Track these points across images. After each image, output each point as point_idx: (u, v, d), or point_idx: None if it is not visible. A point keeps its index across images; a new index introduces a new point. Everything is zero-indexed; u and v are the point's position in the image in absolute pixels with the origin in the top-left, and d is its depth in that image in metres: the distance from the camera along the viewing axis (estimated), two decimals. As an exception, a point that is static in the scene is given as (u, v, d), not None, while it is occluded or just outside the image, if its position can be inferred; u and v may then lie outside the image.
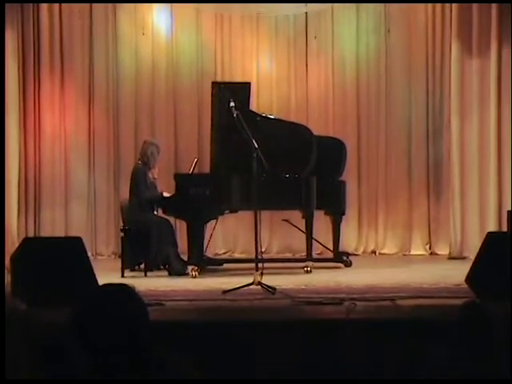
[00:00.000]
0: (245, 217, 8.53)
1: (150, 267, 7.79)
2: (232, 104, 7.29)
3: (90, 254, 6.74)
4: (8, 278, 5.34)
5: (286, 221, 8.69)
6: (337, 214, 8.59)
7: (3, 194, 8.78)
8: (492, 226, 8.91)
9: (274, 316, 5.18)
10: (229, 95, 7.47)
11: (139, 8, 10.10)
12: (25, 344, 1.01)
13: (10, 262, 5.44)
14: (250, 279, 6.24)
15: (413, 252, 10.02)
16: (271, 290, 6.06)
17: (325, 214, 8.71)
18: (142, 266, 7.82)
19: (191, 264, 7.62)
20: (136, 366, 1.96)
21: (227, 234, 10.01)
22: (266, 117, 8.22)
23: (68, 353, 1.89)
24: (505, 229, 8.64)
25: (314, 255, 8.45)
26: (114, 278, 6.95)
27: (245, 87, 8.18)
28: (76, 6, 9.88)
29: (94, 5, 9.96)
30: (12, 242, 8.58)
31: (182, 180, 7.80)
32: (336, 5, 10.11)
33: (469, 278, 5.61)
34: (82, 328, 1.98)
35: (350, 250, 9.66)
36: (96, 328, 1.98)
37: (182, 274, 7.58)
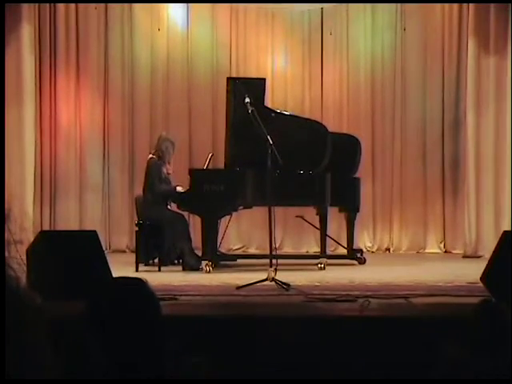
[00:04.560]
0: (259, 213, 8.54)
1: (164, 262, 7.80)
2: (247, 100, 7.29)
3: (104, 248, 6.75)
4: (24, 270, 5.36)
5: (300, 217, 8.68)
6: (351, 210, 8.57)
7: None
8: (507, 225, 8.87)
9: (287, 312, 5.18)
10: (244, 91, 7.46)
11: (155, 3, 10.12)
12: (41, 337, 1.02)
13: (26, 255, 5.46)
14: (263, 275, 6.23)
15: (427, 250, 10.00)
16: (285, 286, 6.06)
17: (339, 210, 8.70)
18: (156, 260, 7.84)
19: (205, 259, 7.62)
20: (148, 360, 1.96)
21: (241, 229, 10.02)
22: (280, 113, 8.22)
23: (82, 345, 1.89)
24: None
25: (328, 252, 8.45)
26: (129, 273, 6.96)
27: (260, 83, 8.18)
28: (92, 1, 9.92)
29: (109, -1, 10.01)
30: (29, 233, 8.59)
31: (196, 175, 7.81)
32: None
33: (484, 277, 5.59)
34: (95, 321, 1.98)
35: (364, 248, 9.65)
36: (109, 321, 1.98)
37: (196, 269, 7.58)
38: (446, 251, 9.97)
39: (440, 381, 2.60)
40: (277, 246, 7.36)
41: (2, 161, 8.83)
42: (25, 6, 9.24)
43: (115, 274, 5.31)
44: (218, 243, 8.04)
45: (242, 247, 10.10)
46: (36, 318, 1.02)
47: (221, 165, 8.45)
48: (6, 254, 1.07)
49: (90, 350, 1.90)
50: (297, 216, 8.73)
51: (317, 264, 7.80)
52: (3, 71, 8.97)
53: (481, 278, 5.61)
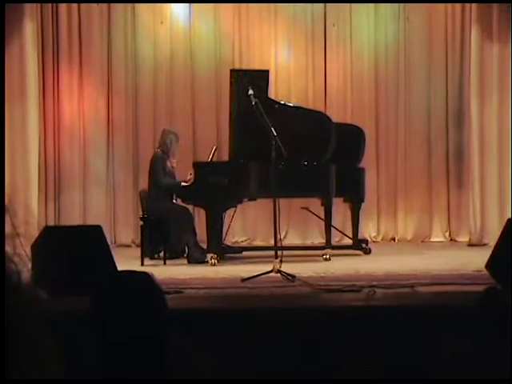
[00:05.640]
0: (264, 205, 8.54)
1: (170, 255, 7.82)
2: (251, 92, 7.28)
3: (109, 243, 6.76)
4: (29, 265, 5.37)
5: (305, 208, 8.68)
6: (356, 201, 8.57)
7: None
8: (512, 213, 8.87)
9: (293, 304, 5.19)
10: (247, 83, 7.46)
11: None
12: (43, 333, 1.03)
13: (31, 251, 5.47)
14: (269, 267, 6.24)
15: (432, 239, 10.00)
16: (290, 277, 6.07)
17: (344, 201, 8.70)
18: (162, 254, 7.86)
19: (210, 252, 7.63)
20: (152, 354, 1.97)
21: (246, 221, 10.02)
22: (284, 104, 8.21)
23: (84, 340, 1.90)
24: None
25: (333, 243, 8.45)
26: (134, 266, 6.97)
27: (263, 75, 8.17)
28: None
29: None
30: (34, 227, 8.61)
31: (200, 168, 7.81)
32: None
33: (489, 265, 5.59)
34: (100, 315, 1.99)
35: (369, 238, 9.65)
36: (114, 315, 1.99)
37: (201, 262, 7.60)
38: (451, 240, 9.97)
39: (440, 381, 2.60)
40: (282, 237, 7.37)
41: (1, 156, 8.83)
42: (27, 3, 9.24)
43: (121, 268, 5.32)
44: (223, 236, 8.06)
45: (247, 239, 10.10)
46: (38, 314, 1.02)
47: (225, 157, 8.45)
48: (7, 247, 1.08)
49: (91, 348, 1.91)
50: (302, 207, 8.73)
51: (322, 255, 7.81)
52: (3, 69, 8.96)
53: (486, 266, 5.62)
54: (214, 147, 8.34)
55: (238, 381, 3.81)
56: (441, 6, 10.03)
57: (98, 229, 5.78)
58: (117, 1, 9.97)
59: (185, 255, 7.85)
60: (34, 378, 0.96)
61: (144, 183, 8.50)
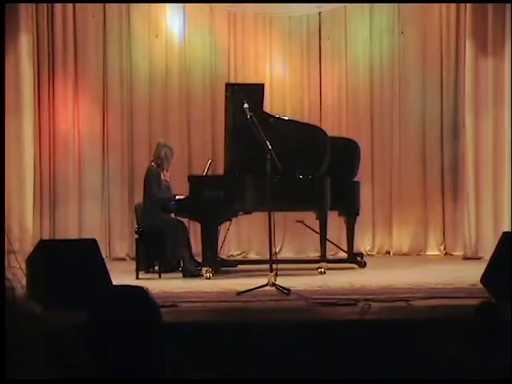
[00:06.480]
0: (259, 218, 8.55)
1: (165, 269, 7.80)
2: (246, 105, 7.29)
3: (104, 256, 6.75)
4: (24, 280, 5.36)
5: (300, 222, 8.68)
6: (351, 214, 8.58)
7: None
8: (507, 226, 8.87)
9: (288, 317, 5.18)
10: (242, 97, 7.47)
11: (153, 11, 10.13)
12: (40, 346, 1.03)
13: (26, 264, 5.46)
14: (264, 280, 6.24)
15: (427, 252, 10.00)
16: (285, 291, 6.06)
17: (339, 214, 8.69)
18: (157, 267, 7.84)
19: (205, 265, 7.62)
20: (147, 369, 1.96)
21: (241, 235, 10.02)
22: (279, 118, 8.22)
23: (80, 355, 1.90)
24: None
25: (328, 256, 8.44)
26: (129, 280, 6.97)
27: (258, 88, 8.19)
28: (90, 10, 9.92)
29: (107, 8, 10.00)
30: (28, 244, 8.60)
31: (196, 182, 7.81)
32: (349, 5, 10.11)
33: (484, 278, 5.59)
34: (93, 330, 1.98)
35: (364, 251, 9.64)
36: (109, 329, 1.98)
37: (196, 275, 7.59)
38: (446, 253, 9.97)
39: (440, 381, 2.61)
40: (277, 251, 7.36)
41: (2, 171, 8.83)
42: (23, 16, 9.25)
43: (115, 282, 5.32)
44: (218, 249, 8.05)
45: (242, 253, 10.09)
46: (32, 328, 1.02)
47: (220, 171, 8.45)
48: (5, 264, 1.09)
49: (86, 361, 1.90)
50: (297, 221, 8.72)
51: (317, 268, 7.80)
52: (3, 73, 8.96)
53: (481, 280, 5.62)
54: (209, 161, 8.34)
55: (238, 381, 3.81)
56: (435, 19, 10.05)
57: (92, 242, 5.77)
58: (114, 1, 9.96)
59: (180, 269, 7.84)
60: (33, 378, 0.97)
61: (139, 197, 8.49)
